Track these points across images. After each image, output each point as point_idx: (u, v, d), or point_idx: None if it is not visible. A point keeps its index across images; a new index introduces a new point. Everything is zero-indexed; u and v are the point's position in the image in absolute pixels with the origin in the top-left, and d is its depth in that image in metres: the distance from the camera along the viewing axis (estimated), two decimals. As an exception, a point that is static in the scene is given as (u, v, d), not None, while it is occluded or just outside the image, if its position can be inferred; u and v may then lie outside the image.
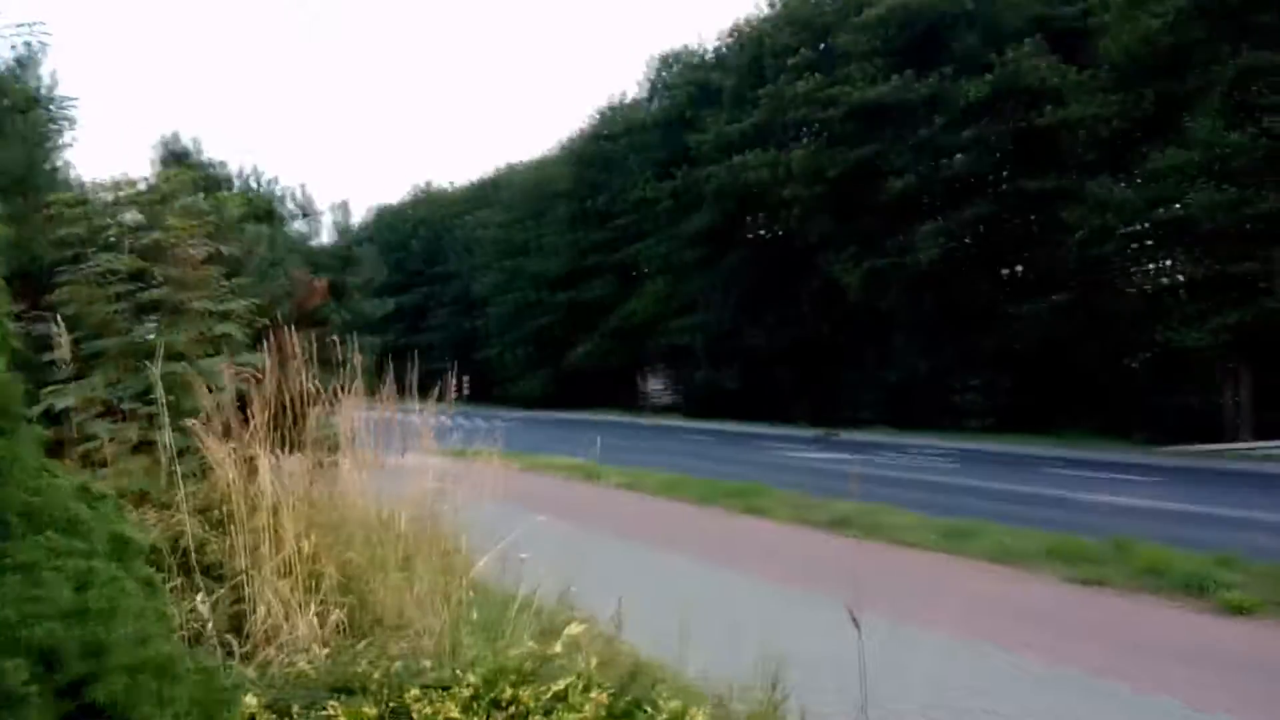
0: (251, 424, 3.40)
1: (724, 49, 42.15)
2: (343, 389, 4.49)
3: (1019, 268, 31.08)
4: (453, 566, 3.84)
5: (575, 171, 51.66)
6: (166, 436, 3.76)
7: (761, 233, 39.80)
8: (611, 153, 48.81)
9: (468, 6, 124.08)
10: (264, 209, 7.61)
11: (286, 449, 4.17)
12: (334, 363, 6.14)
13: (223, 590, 3.26)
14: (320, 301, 6.66)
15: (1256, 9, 21.20)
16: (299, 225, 7.25)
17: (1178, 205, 22.77)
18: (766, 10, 39.48)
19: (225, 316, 4.20)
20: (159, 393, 3.59)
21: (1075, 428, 27.13)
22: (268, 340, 4.29)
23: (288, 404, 4.11)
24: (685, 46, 46.10)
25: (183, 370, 3.61)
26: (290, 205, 7.36)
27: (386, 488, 5.01)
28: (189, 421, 3.34)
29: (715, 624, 6.39)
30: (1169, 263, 25.52)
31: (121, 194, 4.29)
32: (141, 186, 4.48)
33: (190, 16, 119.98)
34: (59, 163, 7.01)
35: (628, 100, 51.12)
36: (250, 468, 3.35)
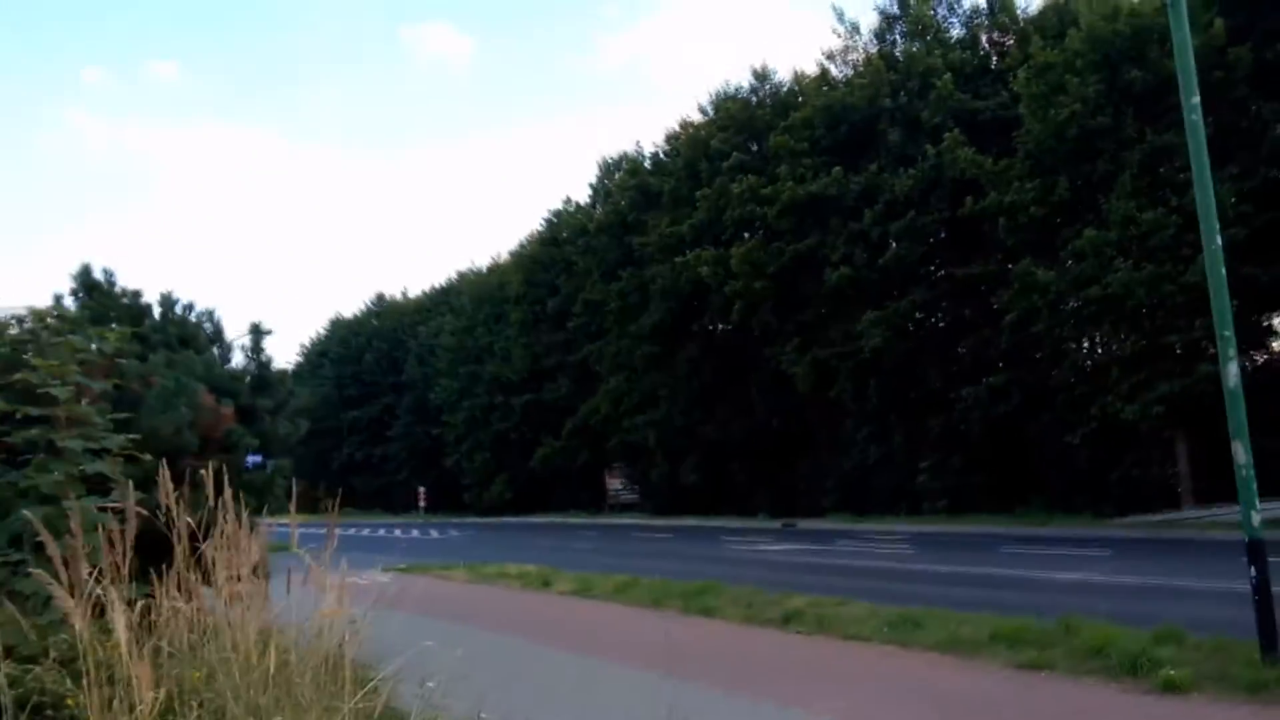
0: (109, 565, 3.30)
1: (663, 154, 43.43)
2: (234, 517, 4.36)
3: (960, 351, 31.74)
4: (335, 703, 3.69)
5: (527, 275, 52.36)
6: (30, 585, 3.64)
7: (710, 328, 40.34)
8: (561, 256, 49.64)
9: (422, 117, 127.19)
10: (178, 336, 7.54)
11: (165, 586, 4.05)
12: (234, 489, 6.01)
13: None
14: (227, 427, 6.56)
15: (1160, 94, 22.43)
16: (213, 351, 7.19)
17: (1100, 284, 23.52)
18: (701, 117, 40.93)
19: (100, 454, 4.12)
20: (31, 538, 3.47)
21: (1026, 505, 27.37)
22: (168, 472, 4.23)
23: (169, 538, 4.02)
24: (625, 153, 47.43)
25: (47, 513, 3.50)
26: (207, 330, 7.33)
27: (297, 615, 4.83)
28: (38, 570, 3.23)
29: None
30: (1099, 339, 26.24)
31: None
32: (19, 326, 4.43)
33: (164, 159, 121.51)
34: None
35: (575, 205, 52.30)
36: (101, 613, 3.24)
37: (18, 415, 3.78)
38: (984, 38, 34.02)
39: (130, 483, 3.95)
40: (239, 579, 4.18)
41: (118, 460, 4.25)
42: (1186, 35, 8.14)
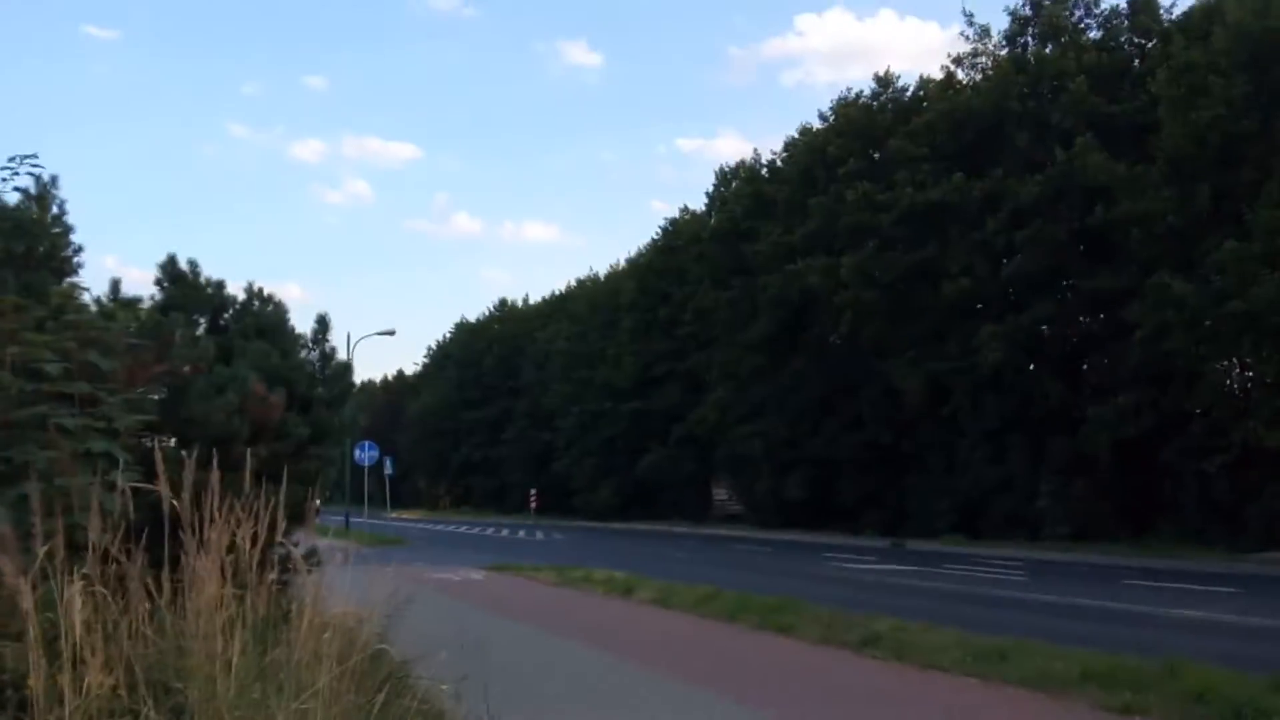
0: (53, 544, 3.26)
1: (780, 161, 42.85)
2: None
3: (1086, 368, 29.97)
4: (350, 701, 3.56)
5: (641, 283, 52.80)
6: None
7: (820, 340, 39.47)
8: (675, 264, 49.76)
9: (554, 129, 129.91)
10: (255, 327, 7.71)
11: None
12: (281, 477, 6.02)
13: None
14: (277, 416, 6.63)
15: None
16: (284, 340, 7.38)
17: (1242, 299, 21.74)
18: (820, 124, 40.15)
19: (110, 434, 4.17)
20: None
21: (1154, 535, 25.55)
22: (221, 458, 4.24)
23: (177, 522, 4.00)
24: (743, 160, 47.06)
25: (36, 491, 3.51)
26: (273, 321, 7.53)
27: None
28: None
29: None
30: (1241, 359, 24.24)
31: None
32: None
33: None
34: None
35: (691, 213, 52.33)
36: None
37: (12, 391, 3.88)
38: (1123, 39, 32.14)
39: (123, 461, 3.95)
40: (254, 567, 4.07)
41: (125, 440, 4.30)
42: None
